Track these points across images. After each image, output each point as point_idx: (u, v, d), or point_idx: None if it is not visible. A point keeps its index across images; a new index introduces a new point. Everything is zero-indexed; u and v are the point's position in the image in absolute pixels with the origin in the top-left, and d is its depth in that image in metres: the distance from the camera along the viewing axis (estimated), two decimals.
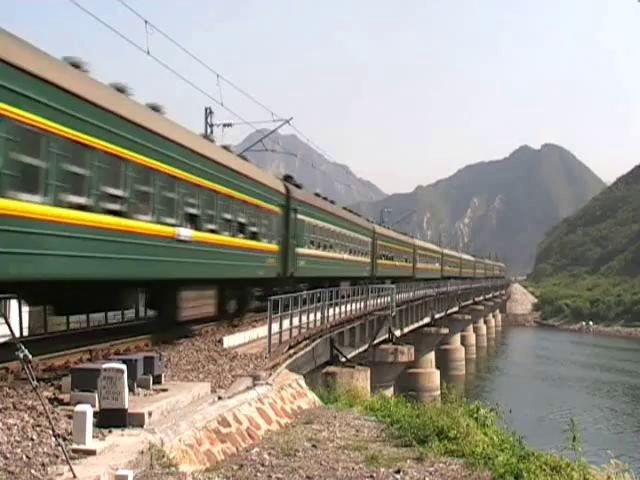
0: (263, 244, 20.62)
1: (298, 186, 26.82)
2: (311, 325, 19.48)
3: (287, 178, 26.90)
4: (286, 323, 16.91)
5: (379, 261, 42.66)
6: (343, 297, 24.89)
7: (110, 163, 11.59)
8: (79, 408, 7.10)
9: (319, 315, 20.60)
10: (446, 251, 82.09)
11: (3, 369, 9.95)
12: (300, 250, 24.84)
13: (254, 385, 11.49)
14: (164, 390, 9.46)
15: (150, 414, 8.13)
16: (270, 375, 12.61)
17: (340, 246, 32.39)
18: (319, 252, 28.14)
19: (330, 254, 30.25)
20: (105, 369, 7.95)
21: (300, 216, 24.93)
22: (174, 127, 14.96)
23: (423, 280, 51.10)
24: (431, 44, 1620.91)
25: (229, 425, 9.35)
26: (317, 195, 32.45)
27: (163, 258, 13.65)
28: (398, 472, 8.28)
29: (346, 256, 33.43)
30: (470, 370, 65.21)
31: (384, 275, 43.83)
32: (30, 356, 6.38)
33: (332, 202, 34.37)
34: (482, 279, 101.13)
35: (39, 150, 9.65)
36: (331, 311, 22.02)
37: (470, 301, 72.95)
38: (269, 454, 8.85)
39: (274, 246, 21.83)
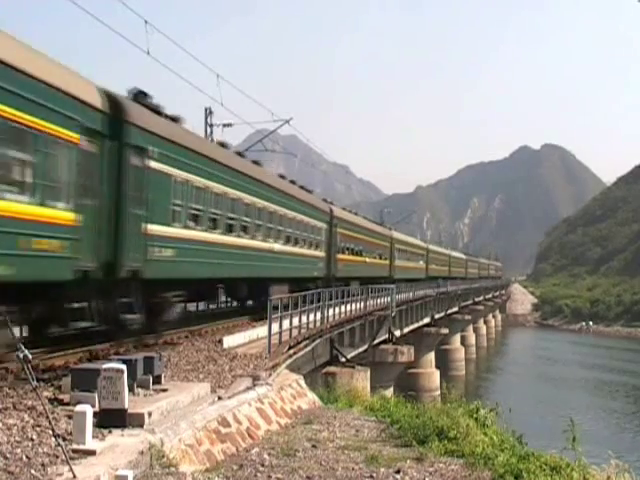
0: (14, 206, 9.80)
1: (159, 113, 15.07)
2: (311, 325, 19.48)
3: (138, 95, 14.55)
4: (286, 323, 16.91)
5: (340, 256, 32.55)
6: (343, 297, 24.81)
7: None
8: (79, 408, 7.10)
9: (319, 315, 20.59)
10: (432, 247, 72.23)
11: (3, 369, 9.95)
12: (157, 229, 14.10)
13: (254, 385, 11.49)
14: (164, 390, 9.46)
15: (150, 414, 8.13)
16: (270, 375, 12.61)
17: (267, 230, 21.78)
18: (213, 236, 17.29)
19: (244, 241, 19.48)
20: (105, 369, 7.95)
21: (156, 164, 13.95)
22: None
23: (403, 281, 42.30)
24: (429, 40, 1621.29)
25: (229, 425, 9.35)
26: (223, 146, 20.42)
27: None
28: (398, 472, 8.28)
29: (279, 246, 23.02)
30: (470, 370, 65.24)
31: (348, 275, 33.62)
32: (30, 356, 6.39)
33: (256, 163, 22.89)
34: (475, 280, 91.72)
35: None
36: (331, 311, 22.02)
37: (470, 301, 72.91)
38: (269, 454, 8.85)
39: (62, 214, 11.03)
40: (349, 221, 35.91)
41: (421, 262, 61.43)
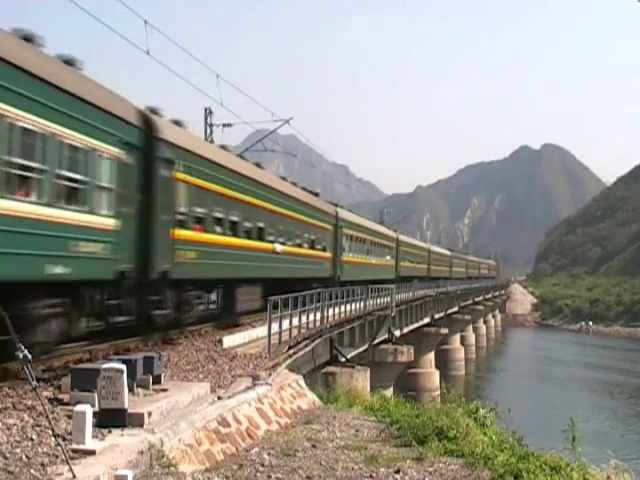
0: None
1: None
2: (311, 325, 19.48)
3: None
4: (286, 323, 16.90)
5: (187, 233, 15.51)
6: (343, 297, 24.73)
7: None
8: (79, 408, 7.11)
9: (319, 315, 20.59)
10: (403, 238, 53.71)
11: (3, 369, 9.95)
12: None
13: (254, 385, 11.49)
14: (164, 390, 9.46)
15: (150, 414, 8.13)
16: (270, 375, 12.61)
17: None
18: None
19: None
20: (105, 369, 7.95)
21: None
22: None
23: (356, 284, 28.55)
24: (427, 36, 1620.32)
25: (229, 425, 9.35)
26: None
27: None
28: (398, 472, 8.28)
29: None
30: (470, 370, 65.23)
31: (221, 275, 17.95)
32: (30, 356, 6.39)
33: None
34: (463, 280, 77.23)
35: None
36: (331, 311, 22.01)
37: (470, 301, 72.82)
38: (269, 454, 8.85)
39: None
40: (224, 167, 17.99)
41: (388, 257, 45.81)
